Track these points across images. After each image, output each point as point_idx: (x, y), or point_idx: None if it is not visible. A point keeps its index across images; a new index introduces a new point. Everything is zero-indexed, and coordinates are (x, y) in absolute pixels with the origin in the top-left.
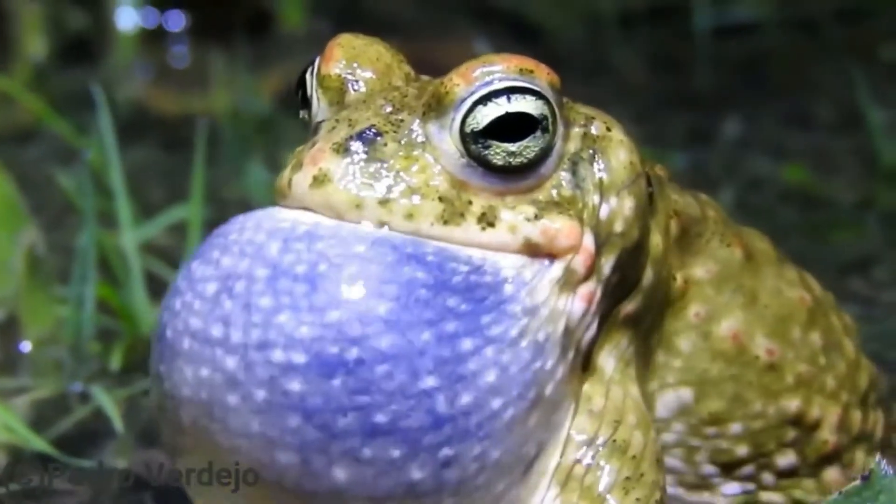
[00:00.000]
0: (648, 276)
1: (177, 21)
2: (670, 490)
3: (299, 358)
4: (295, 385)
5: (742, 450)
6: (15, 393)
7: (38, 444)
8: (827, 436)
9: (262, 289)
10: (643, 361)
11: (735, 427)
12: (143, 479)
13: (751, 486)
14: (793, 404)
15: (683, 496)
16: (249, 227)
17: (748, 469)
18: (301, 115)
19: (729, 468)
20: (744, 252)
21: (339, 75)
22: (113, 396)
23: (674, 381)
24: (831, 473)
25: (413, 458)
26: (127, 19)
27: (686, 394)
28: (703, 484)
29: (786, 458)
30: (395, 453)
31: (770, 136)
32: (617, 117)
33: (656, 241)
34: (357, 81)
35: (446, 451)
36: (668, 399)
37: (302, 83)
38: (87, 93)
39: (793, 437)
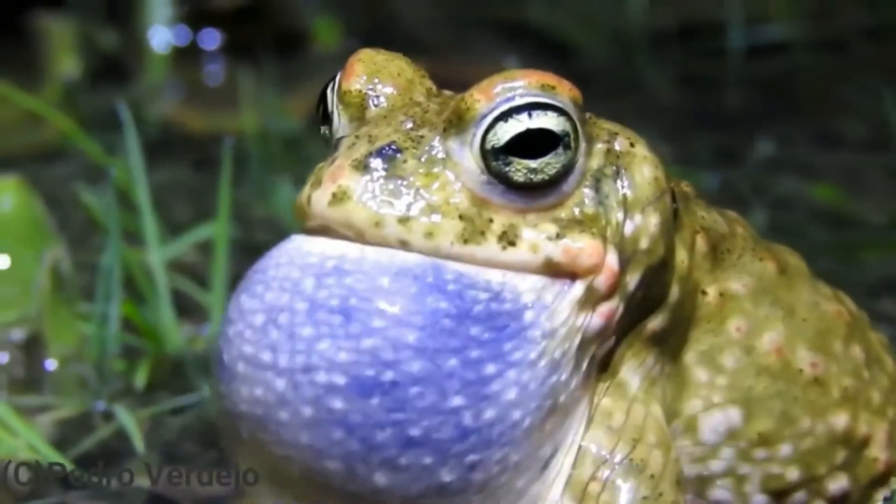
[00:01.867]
0: (674, 292)
1: (211, 40)
2: None
3: (340, 380)
4: (337, 403)
5: (793, 473)
6: (38, 411)
7: (61, 462)
8: (877, 453)
9: (302, 320)
10: (676, 381)
11: (785, 448)
12: (163, 498)
13: None
14: (840, 420)
15: None
16: (284, 264)
17: (800, 496)
18: (322, 132)
19: (780, 496)
20: (777, 266)
21: (360, 91)
22: (136, 415)
23: (720, 399)
24: (881, 495)
25: (443, 464)
26: (160, 38)
27: (734, 413)
28: None
29: (837, 483)
30: (428, 461)
31: (800, 155)
32: (646, 135)
33: (682, 257)
34: (378, 97)
35: (472, 457)
36: (716, 421)
37: (323, 99)
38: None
39: (843, 457)
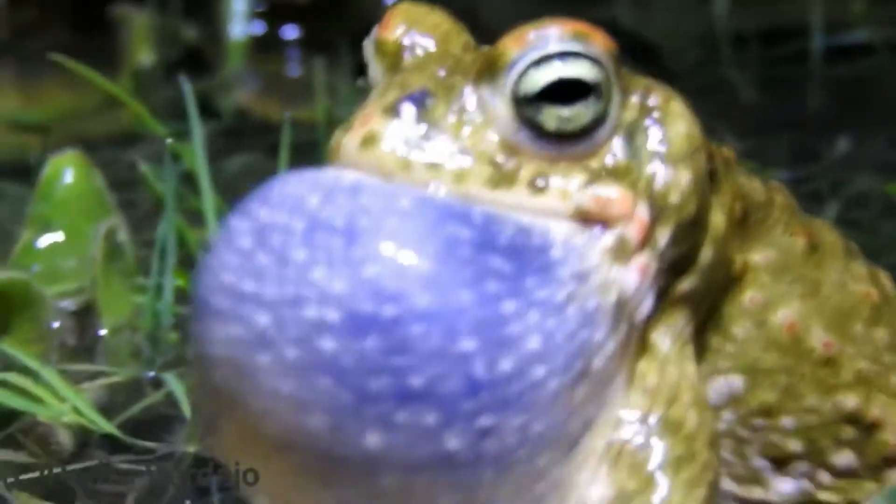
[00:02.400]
0: (707, 254)
1: (289, 32)
2: (723, 483)
3: (333, 315)
4: (327, 343)
5: (794, 445)
6: (88, 378)
7: (106, 426)
8: (889, 437)
9: (297, 241)
10: (698, 345)
11: (786, 421)
12: (211, 461)
13: (807, 484)
14: (850, 401)
15: (735, 490)
16: (292, 181)
17: (803, 466)
18: (359, 84)
19: (781, 463)
20: (808, 242)
21: (396, 41)
22: (185, 383)
23: (725, 366)
24: (895, 476)
25: (449, 425)
26: (238, 30)
27: (737, 381)
28: (754, 478)
29: (843, 458)
30: (430, 419)
31: (878, 154)
32: (727, 133)
33: (717, 219)
34: (414, 48)
35: (484, 421)
36: (719, 385)
37: (363, 52)
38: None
39: (850, 435)
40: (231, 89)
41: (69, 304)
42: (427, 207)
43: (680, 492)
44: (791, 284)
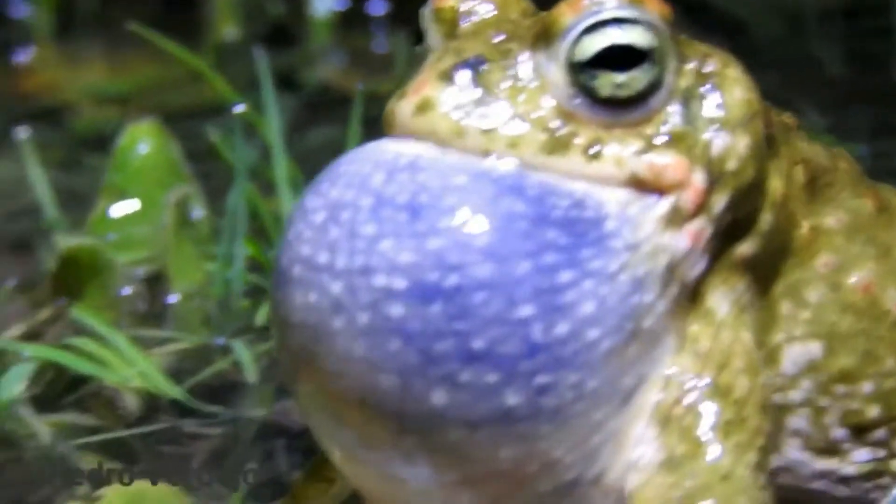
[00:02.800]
0: (766, 219)
1: (375, 7)
2: (796, 455)
3: (400, 283)
4: (396, 309)
5: (874, 411)
6: (157, 343)
7: (172, 391)
8: None
9: (366, 217)
10: (766, 312)
11: (866, 386)
12: (276, 426)
13: (882, 452)
14: None
15: (810, 462)
16: (357, 160)
17: (880, 433)
18: (417, 51)
19: (860, 431)
20: (877, 204)
21: (453, 7)
22: (254, 350)
23: (801, 333)
24: None
25: (509, 384)
26: (323, 5)
27: (815, 348)
28: (832, 448)
29: None
30: (492, 379)
31: None
32: (810, 107)
33: (776, 184)
34: (470, 14)
35: (541, 379)
36: (796, 353)
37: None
38: (276, 76)
39: None
40: (315, 64)
41: (140, 271)
42: (483, 183)
43: (730, 456)
44: (864, 246)
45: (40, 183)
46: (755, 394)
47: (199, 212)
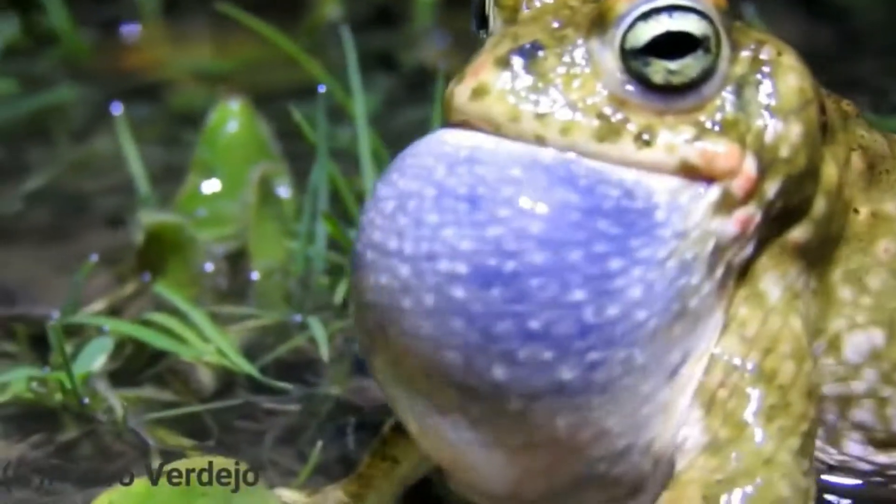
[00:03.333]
0: (820, 205)
1: None
2: (857, 449)
3: (462, 268)
4: (459, 292)
5: None
6: (236, 320)
7: (246, 367)
8: None
9: (430, 206)
10: (822, 299)
11: None
12: (349, 404)
13: None
14: None
15: (870, 456)
16: (422, 152)
17: None
18: (480, 36)
19: None
20: None
21: None
22: (330, 328)
23: (864, 320)
24: None
25: (563, 360)
26: None
27: (878, 335)
28: (893, 441)
29: None
30: (547, 356)
31: None
32: None
33: (830, 171)
34: (532, 0)
35: (593, 355)
36: (859, 340)
37: (483, 4)
38: (376, 56)
39: None
40: (417, 45)
41: (223, 248)
42: (537, 173)
43: (773, 440)
44: None
45: (134, 159)
46: (801, 379)
47: (285, 190)
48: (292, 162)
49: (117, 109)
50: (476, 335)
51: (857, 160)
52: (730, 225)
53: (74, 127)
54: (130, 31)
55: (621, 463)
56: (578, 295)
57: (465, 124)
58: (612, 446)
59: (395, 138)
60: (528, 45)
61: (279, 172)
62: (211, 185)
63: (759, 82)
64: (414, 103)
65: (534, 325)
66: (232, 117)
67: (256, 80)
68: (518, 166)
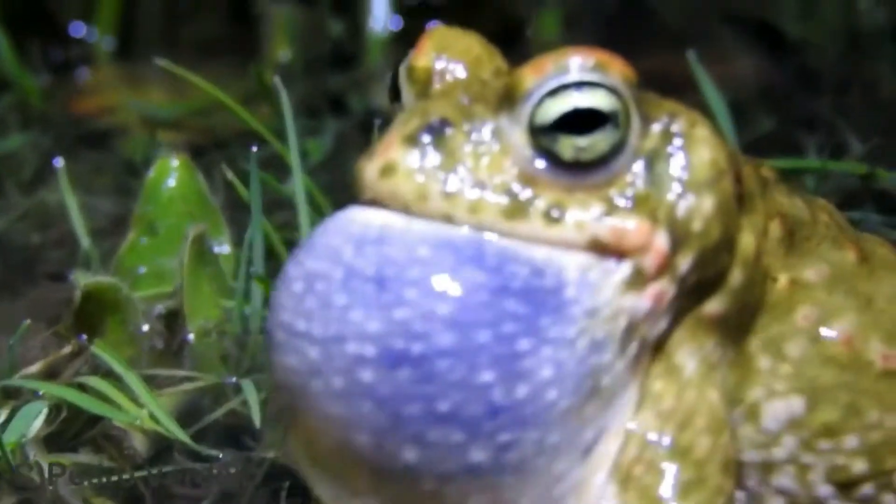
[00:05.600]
0: (737, 276)
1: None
2: None
3: (370, 350)
4: (367, 375)
5: (860, 466)
6: (174, 382)
7: (179, 434)
8: None
9: (337, 288)
10: (740, 368)
11: (851, 440)
12: (283, 467)
13: None
14: None
15: None
16: (330, 231)
17: (868, 490)
18: (392, 109)
19: (846, 488)
20: (858, 255)
21: (426, 67)
22: (266, 389)
23: (783, 388)
24: None
25: (473, 442)
26: (380, 26)
27: (797, 403)
28: None
29: None
30: (457, 438)
31: None
32: (866, 130)
33: (747, 241)
34: (444, 74)
35: (504, 437)
36: (777, 409)
37: (396, 77)
38: (327, 99)
39: None
40: (367, 87)
41: (161, 307)
42: (444, 254)
43: None
44: (845, 298)
45: (76, 214)
46: (717, 453)
47: (223, 246)
48: (238, 212)
49: (58, 163)
50: (385, 418)
51: (775, 228)
52: (642, 300)
53: (24, 177)
54: (83, 74)
55: None
56: (487, 376)
57: (374, 202)
58: None
59: (343, 184)
60: (436, 122)
61: (218, 229)
62: (151, 241)
63: (671, 156)
64: (364, 147)
65: (443, 407)
66: (171, 172)
67: (209, 125)
68: (426, 246)
